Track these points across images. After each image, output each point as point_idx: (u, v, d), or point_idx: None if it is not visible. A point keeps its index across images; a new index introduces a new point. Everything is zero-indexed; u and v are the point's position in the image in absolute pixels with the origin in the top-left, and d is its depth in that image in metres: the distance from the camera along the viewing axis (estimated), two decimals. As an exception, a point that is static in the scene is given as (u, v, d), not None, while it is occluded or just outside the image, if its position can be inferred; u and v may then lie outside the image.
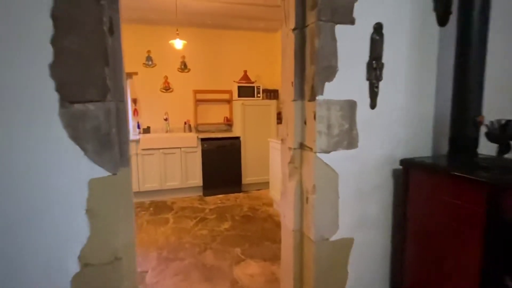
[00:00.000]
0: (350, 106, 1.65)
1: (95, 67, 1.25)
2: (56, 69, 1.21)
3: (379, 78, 1.70)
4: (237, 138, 4.65)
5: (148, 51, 4.76)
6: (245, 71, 4.92)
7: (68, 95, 1.23)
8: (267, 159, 4.63)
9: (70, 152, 1.25)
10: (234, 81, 4.87)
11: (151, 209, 4.05)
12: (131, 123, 4.74)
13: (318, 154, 1.59)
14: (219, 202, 4.28)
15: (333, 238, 1.67)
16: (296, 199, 1.74)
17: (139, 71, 4.76)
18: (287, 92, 1.85)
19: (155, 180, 4.35)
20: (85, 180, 1.28)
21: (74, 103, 1.24)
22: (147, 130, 4.81)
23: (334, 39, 1.58)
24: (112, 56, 1.31)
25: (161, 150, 4.32)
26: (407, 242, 1.72)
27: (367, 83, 1.69)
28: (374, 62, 1.68)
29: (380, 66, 1.69)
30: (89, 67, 1.24)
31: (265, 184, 4.77)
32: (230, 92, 5.09)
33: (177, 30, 3.67)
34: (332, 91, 1.60)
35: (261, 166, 4.77)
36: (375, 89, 1.70)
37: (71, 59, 1.22)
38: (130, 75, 4.72)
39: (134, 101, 4.80)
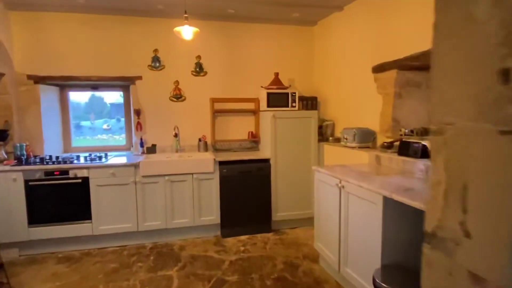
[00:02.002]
0: None
1: None
2: None
3: None
4: (266, 160, 3.55)
5: (155, 50, 3.80)
6: (276, 74, 3.84)
7: None
8: (307, 188, 3.52)
9: None
10: (262, 87, 3.80)
11: (152, 258, 3.00)
12: (134, 140, 3.75)
13: None
14: (242, 248, 3.17)
15: None
16: None
17: (143, 74, 3.80)
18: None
19: (159, 216, 3.31)
20: None
21: None
22: (152, 149, 3.81)
23: None
24: None
25: (167, 177, 3.29)
26: None
27: None
28: None
29: None
30: None
31: (303, 221, 3.63)
32: (256, 100, 4.02)
33: (185, 13, 2.66)
34: None
35: (298, 198, 3.63)
36: None
37: None
38: (132, 80, 3.76)
39: (137, 112, 3.82)
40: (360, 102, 3.31)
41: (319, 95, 4.06)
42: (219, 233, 3.50)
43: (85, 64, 3.63)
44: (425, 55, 2.47)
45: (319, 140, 3.66)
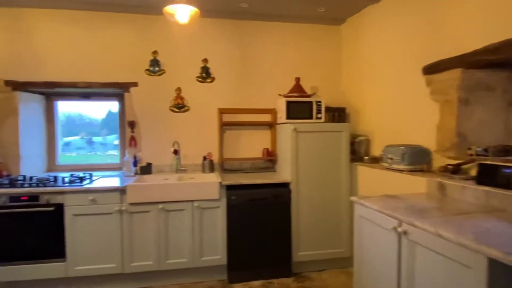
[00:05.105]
0: None
1: None
2: None
3: None
4: (285, 185, 2.85)
5: (154, 52, 3.23)
6: (297, 79, 3.18)
7: None
8: (337, 220, 2.80)
9: None
10: (280, 95, 3.15)
11: (137, 312, 2.30)
12: (126, 158, 3.13)
13: None
14: (255, 300, 2.44)
15: None
16: None
17: (139, 80, 3.22)
18: None
19: (150, 255, 2.63)
20: None
21: None
22: (147, 169, 3.17)
23: None
24: None
25: (160, 205, 2.62)
26: None
27: None
28: None
29: None
30: None
31: (332, 263, 2.88)
32: (273, 111, 3.37)
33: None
34: None
35: (326, 233, 2.88)
36: None
37: None
38: (126, 86, 3.19)
39: (131, 124, 3.22)
40: (406, 112, 2.60)
41: (348, 105, 3.37)
42: (225, 277, 2.77)
43: (72, 68, 3.08)
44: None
45: (352, 160, 2.94)
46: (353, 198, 1.98)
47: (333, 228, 2.88)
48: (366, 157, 2.88)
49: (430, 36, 2.36)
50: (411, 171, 2.26)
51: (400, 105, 2.66)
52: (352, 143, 3.02)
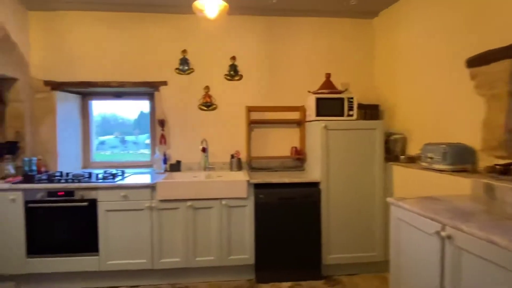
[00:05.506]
0: None
1: None
2: None
3: None
4: (315, 184, 2.76)
5: (184, 51, 3.25)
6: (328, 75, 3.07)
7: None
8: (370, 222, 2.67)
9: None
10: (309, 92, 3.06)
11: (166, 308, 2.32)
12: (156, 156, 3.18)
13: None
14: (283, 302, 2.37)
15: None
16: None
17: (169, 79, 3.26)
18: None
19: (179, 252, 2.64)
20: None
21: None
22: (176, 167, 3.20)
23: None
24: None
25: (189, 202, 2.63)
26: None
27: None
28: None
29: None
30: None
31: (365, 267, 2.75)
32: (301, 109, 3.28)
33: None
34: None
35: (358, 236, 2.76)
36: None
37: None
38: (156, 85, 3.24)
39: (161, 123, 3.27)
40: (447, 108, 2.42)
41: (382, 102, 3.21)
42: (253, 276, 2.73)
43: (105, 68, 3.18)
44: None
45: (386, 159, 2.79)
46: (389, 200, 1.86)
47: (366, 231, 2.75)
48: (402, 156, 2.72)
49: (474, 26, 2.17)
50: (453, 172, 2.10)
51: (440, 101, 2.48)
52: (387, 142, 2.86)
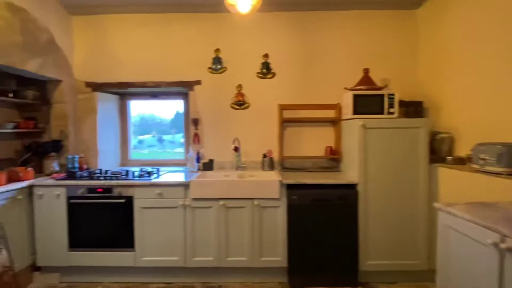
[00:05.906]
0: None
1: None
2: None
3: None
4: (351, 186, 2.62)
5: (217, 50, 3.25)
6: (366, 71, 2.91)
7: None
8: (412, 228, 2.50)
9: None
10: (345, 88, 2.92)
11: (198, 307, 2.32)
12: (189, 154, 3.21)
13: None
14: (317, 309, 2.27)
15: None
16: None
17: (203, 78, 3.27)
18: None
19: (211, 251, 2.64)
20: None
21: None
22: (209, 165, 3.21)
23: None
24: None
25: (221, 202, 2.61)
26: None
27: None
28: None
29: None
30: None
31: (405, 276, 2.57)
32: (337, 107, 3.15)
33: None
34: None
35: (398, 242, 2.58)
36: None
37: None
38: (190, 85, 3.27)
39: (195, 122, 3.29)
40: (502, 105, 2.17)
41: (426, 99, 2.98)
42: (286, 280, 2.65)
43: (142, 69, 3.26)
44: None
45: (431, 161, 2.57)
46: (437, 205, 1.69)
47: (408, 237, 2.56)
48: (449, 158, 2.49)
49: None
50: (509, 175, 1.87)
51: (495, 97, 2.23)
52: (432, 141, 2.65)
